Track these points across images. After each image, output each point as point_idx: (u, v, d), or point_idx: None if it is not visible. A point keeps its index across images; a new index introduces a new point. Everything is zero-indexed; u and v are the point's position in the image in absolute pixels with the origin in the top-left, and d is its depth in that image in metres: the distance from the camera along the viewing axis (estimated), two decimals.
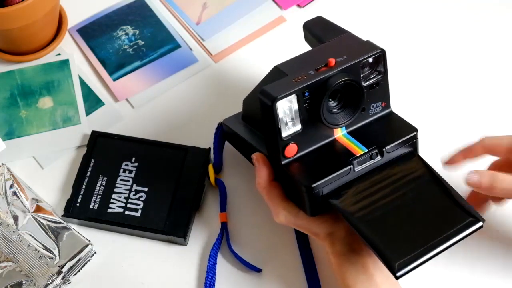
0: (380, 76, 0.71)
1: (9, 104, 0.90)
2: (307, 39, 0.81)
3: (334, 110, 0.70)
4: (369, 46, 0.71)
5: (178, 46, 0.94)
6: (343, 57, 0.69)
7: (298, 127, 0.69)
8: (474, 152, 0.75)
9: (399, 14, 0.97)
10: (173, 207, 0.80)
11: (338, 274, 0.70)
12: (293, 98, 0.67)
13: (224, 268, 0.78)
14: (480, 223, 0.66)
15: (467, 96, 0.89)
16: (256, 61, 0.92)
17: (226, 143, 0.83)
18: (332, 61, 0.69)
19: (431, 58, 0.93)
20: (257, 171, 0.73)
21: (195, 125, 0.87)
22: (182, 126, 0.87)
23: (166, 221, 0.79)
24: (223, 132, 0.82)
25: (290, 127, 0.69)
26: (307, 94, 0.68)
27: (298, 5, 0.97)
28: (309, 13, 0.94)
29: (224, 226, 0.79)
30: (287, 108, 0.68)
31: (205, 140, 0.85)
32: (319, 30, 0.79)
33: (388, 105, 0.74)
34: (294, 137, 0.69)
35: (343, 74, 0.68)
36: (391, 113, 0.74)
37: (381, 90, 0.72)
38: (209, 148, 0.83)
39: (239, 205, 0.82)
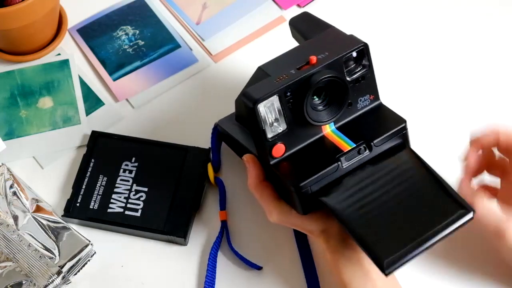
0: (365, 70, 0.71)
1: (9, 104, 0.90)
2: (294, 36, 0.81)
3: (319, 107, 0.70)
4: (351, 40, 0.71)
5: (178, 46, 0.94)
6: (325, 53, 0.69)
7: (284, 127, 0.69)
8: (487, 141, 0.73)
9: (398, 12, 0.97)
10: (173, 207, 0.80)
11: (334, 270, 0.70)
12: (275, 99, 0.67)
13: (225, 266, 0.78)
14: (471, 215, 0.66)
15: (458, 86, 0.90)
16: (256, 61, 0.91)
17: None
18: (314, 58, 0.68)
19: (423, 50, 0.93)
20: (248, 172, 0.73)
21: (195, 125, 0.87)
22: (182, 126, 0.88)
23: (166, 221, 0.79)
24: (219, 133, 0.83)
25: (275, 127, 0.68)
26: (289, 93, 0.68)
27: (298, 5, 0.97)
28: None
29: (224, 225, 0.80)
30: (270, 109, 0.67)
31: (205, 140, 0.85)
32: (304, 26, 0.79)
33: (376, 98, 0.73)
34: (280, 137, 0.69)
35: (325, 71, 0.68)
36: (381, 105, 0.73)
37: (368, 83, 0.71)
38: (209, 148, 0.83)
39: (239, 203, 0.82)
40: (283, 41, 0.93)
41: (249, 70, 0.91)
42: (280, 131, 0.69)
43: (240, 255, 0.78)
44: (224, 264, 0.78)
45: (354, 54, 0.69)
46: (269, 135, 0.68)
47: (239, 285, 0.77)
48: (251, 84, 0.71)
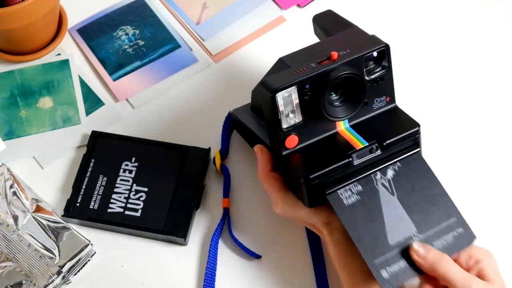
0: (384, 71, 0.71)
1: (9, 104, 0.90)
2: (316, 32, 0.82)
3: (335, 103, 0.71)
4: (373, 40, 0.71)
5: (178, 46, 0.94)
6: (346, 50, 0.70)
7: (299, 118, 0.69)
8: None
9: (400, 12, 0.97)
10: (173, 207, 0.80)
11: (337, 263, 0.70)
12: (293, 90, 0.68)
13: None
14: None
15: (472, 91, 0.90)
16: (256, 61, 0.92)
17: (234, 131, 0.85)
18: (335, 54, 0.69)
19: (438, 54, 0.93)
20: (258, 161, 0.74)
21: (195, 125, 0.87)
22: (182, 126, 0.88)
23: (166, 221, 0.79)
24: (232, 121, 0.84)
25: (291, 119, 0.69)
26: (307, 86, 0.68)
27: (298, 5, 0.97)
28: (309, 13, 0.94)
29: (226, 212, 0.80)
30: (287, 99, 0.68)
31: (205, 140, 0.85)
32: (327, 24, 0.80)
33: (392, 100, 0.74)
34: (295, 129, 0.70)
35: (345, 67, 0.68)
36: (396, 108, 0.74)
37: (386, 85, 0.72)
38: (209, 148, 0.83)
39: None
40: (283, 41, 0.94)
41: (249, 70, 0.92)
42: (295, 122, 0.69)
43: (240, 243, 0.78)
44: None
45: (375, 54, 0.70)
46: (284, 125, 0.69)
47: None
48: (271, 74, 0.71)
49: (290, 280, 0.77)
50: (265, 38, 0.95)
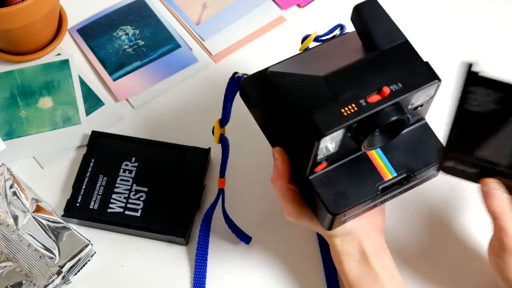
0: (428, 99, 0.67)
1: (9, 104, 0.90)
2: (352, 19, 0.72)
3: (375, 135, 0.66)
4: (426, 72, 0.65)
5: (178, 46, 0.94)
6: (398, 84, 0.63)
7: (335, 149, 0.65)
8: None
9: (400, 13, 0.96)
10: (173, 207, 0.80)
11: (342, 271, 0.70)
12: (340, 132, 0.63)
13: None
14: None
15: None
16: (256, 61, 0.92)
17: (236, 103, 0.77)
18: (387, 90, 0.63)
19: (436, 53, 0.92)
20: (275, 167, 0.69)
21: (195, 125, 0.87)
22: (182, 126, 0.88)
23: (166, 221, 0.79)
24: (239, 89, 0.73)
25: (327, 150, 0.65)
26: (354, 125, 0.63)
27: (298, 5, 0.97)
28: (309, 13, 0.94)
29: (220, 193, 0.79)
30: (331, 140, 0.63)
31: (205, 140, 0.85)
32: (368, 16, 0.71)
33: (423, 118, 0.70)
34: (327, 157, 0.66)
35: (395, 110, 0.63)
36: (425, 125, 0.70)
37: (423, 109, 0.68)
38: (209, 148, 0.83)
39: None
40: (283, 41, 0.94)
41: (250, 70, 0.91)
42: (330, 153, 0.65)
43: (232, 224, 0.78)
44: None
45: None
46: (319, 157, 0.64)
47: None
48: (303, 78, 0.66)
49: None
50: (265, 38, 0.95)
